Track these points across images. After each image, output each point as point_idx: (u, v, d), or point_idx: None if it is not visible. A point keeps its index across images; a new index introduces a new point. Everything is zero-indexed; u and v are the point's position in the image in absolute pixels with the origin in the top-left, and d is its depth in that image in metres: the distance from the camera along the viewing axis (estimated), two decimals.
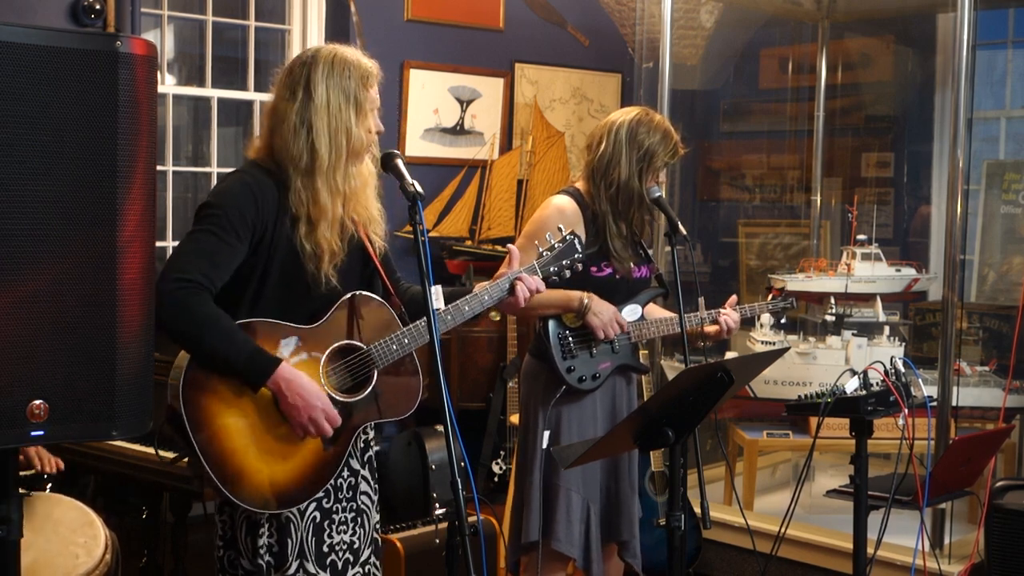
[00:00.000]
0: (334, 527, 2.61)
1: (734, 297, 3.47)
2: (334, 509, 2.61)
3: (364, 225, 2.64)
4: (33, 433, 1.75)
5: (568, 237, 2.73)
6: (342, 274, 2.55)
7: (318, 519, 2.58)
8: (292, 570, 2.53)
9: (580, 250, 2.72)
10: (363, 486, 2.69)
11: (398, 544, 3.72)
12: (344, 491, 2.64)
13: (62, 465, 3.08)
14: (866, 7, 6.09)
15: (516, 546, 3.34)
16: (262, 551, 2.52)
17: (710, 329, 3.36)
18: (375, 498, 2.74)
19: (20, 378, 1.73)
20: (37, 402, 1.74)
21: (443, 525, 3.86)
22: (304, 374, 2.45)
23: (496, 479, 5.20)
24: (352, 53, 2.56)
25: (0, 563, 1.86)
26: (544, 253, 2.71)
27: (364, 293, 2.60)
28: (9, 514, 1.85)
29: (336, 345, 2.54)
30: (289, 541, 2.53)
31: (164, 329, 2.35)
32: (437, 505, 4.26)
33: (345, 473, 2.64)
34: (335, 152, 2.48)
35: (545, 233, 3.17)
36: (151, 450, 3.57)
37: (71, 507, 3.08)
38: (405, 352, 2.57)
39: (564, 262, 2.71)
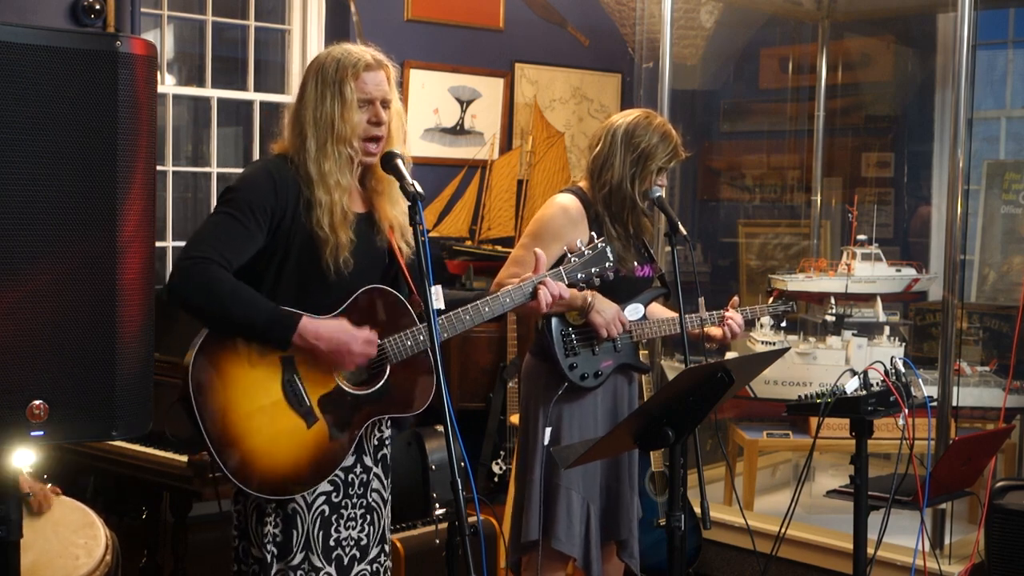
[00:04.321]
0: (342, 522, 2.62)
1: (736, 298, 3.46)
2: (343, 504, 2.62)
3: (392, 227, 2.67)
4: (33, 433, 1.75)
5: (599, 244, 2.72)
6: (359, 268, 2.57)
7: (326, 513, 2.59)
8: (296, 561, 2.54)
9: (611, 259, 2.71)
10: (375, 483, 2.70)
11: (398, 544, 3.72)
12: (356, 487, 2.65)
13: (59, 490, 3.08)
14: (866, 7, 6.09)
15: (517, 545, 3.34)
16: (266, 540, 2.54)
17: (714, 332, 3.35)
18: (387, 497, 2.74)
19: (20, 378, 1.73)
20: (37, 402, 1.74)
21: (443, 525, 3.85)
22: (324, 319, 2.48)
23: (496, 479, 5.20)
24: (345, 48, 2.59)
25: (0, 563, 1.86)
26: (572, 259, 2.70)
27: (382, 287, 2.61)
28: (9, 514, 1.85)
29: None
30: (295, 532, 2.54)
31: (184, 305, 2.40)
32: (437, 505, 4.26)
33: (358, 469, 2.65)
34: (320, 141, 2.53)
35: (550, 232, 3.18)
36: (151, 450, 3.57)
37: (71, 508, 3.08)
38: (419, 349, 2.58)
39: (593, 269, 2.70)
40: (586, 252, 2.71)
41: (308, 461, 2.50)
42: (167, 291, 2.41)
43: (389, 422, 2.72)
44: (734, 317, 3.34)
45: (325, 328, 2.46)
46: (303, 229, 2.52)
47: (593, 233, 2.78)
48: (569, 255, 2.70)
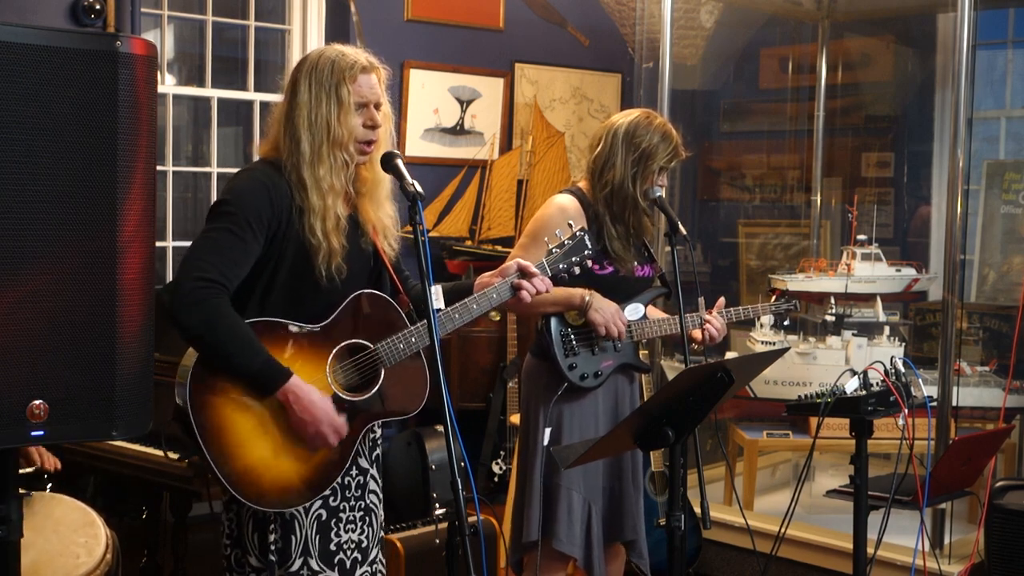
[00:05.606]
0: (341, 526, 2.61)
1: (722, 300, 3.44)
2: (341, 507, 2.61)
3: (376, 228, 2.65)
4: (33, 433, 1.75)
5: (578, 234, 2.72)
6: (351, 273, 2.56)
7: (324, 517, 2.58)
8: (296, 567, 2.53)
9: (589, 247, 2.72)
10: (371, 485, 2.69)
11: (398, 544, 3.72)
12: (352, 490, 2.64)
13: (59, 465, 3.08)
14: (866, 7, 6.09)
15: (517, 545, 3.34)
16: (268, 547, 2.53)
17: (695, 334, 3.34)
18: (382, 496, 2.74)
19: (20, 378, 1.73)
20: (37, 402, 1.74)
21: (443, 525, 3.86)
22: (313, 388, 2.45)
23: (496, 479, 5.20)
24: (338, 49, 2.56)
25: (0, 563, 1.86)
26: (554, 250, 2.70)
27: (372, 292, 2.60)
28: (9, 514, 1.85)
29: (343, 344, 2.54)
30: (293, 538, 2.53)
31: (182, 331, 2.38)
32: (437, 505, 4.26)
33: (354, 472, 2.64)
34: (315, 146, 2.50)
35: (548, 232, 3.18)
36: (151, 450, 3.57)
37: (72, 507, 3.08)
38: (412, 351, 2.57)
39: (574, 259, 2.70)
40: (566, 242, 2.71)
41: (310, 471, 2.49)
42: (169, 310, 2.37)
43: (382, 422, 2.71)
44: (712, 322, 3.32)
45: (307, 395, 2.43)
46: (296, 237, 2.49)
47: (571, 222, 2.78)
48: (550, 247, 2.71)
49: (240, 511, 2.58)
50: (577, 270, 2.72)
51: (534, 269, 2.64)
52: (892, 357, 3.19)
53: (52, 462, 3.06)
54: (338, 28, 5.25)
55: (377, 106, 2.57)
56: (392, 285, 2.68)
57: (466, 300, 2.61)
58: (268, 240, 2.48)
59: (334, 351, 2.53)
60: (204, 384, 2.41)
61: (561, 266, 2.69)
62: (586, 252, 2.71)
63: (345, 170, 2.55)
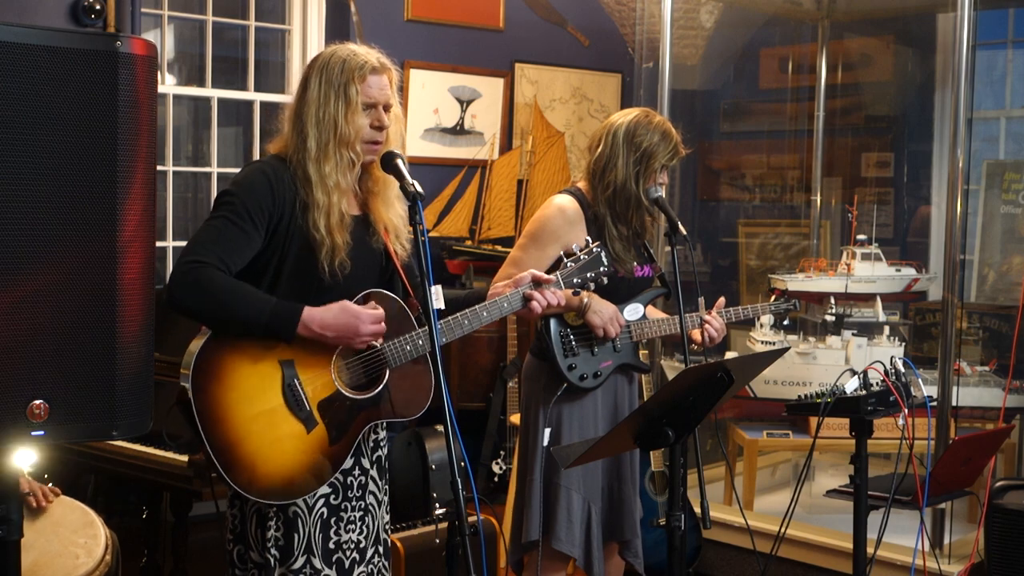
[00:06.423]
0: (342, 525, 2.61)
1: (722, 299, 3.44)
2: (343, 507, 2.61)
3: (387, 228, 2.66)
4: (33, 433, 1.75)
5: (595, 249, 2.73)
6: (356, 271, 2.56)
7: (325, 515, 2.58)
8: (298, 564, 2.53)
9: (605, 263, 2.72)
10: (371, 486, 2.69)
11: (398, 544, 3.72)
12: (354, 490, 2.64)
13: (59, 492, 3.07)
14: (866, 7, 6.10)
15: (517, 545, 3.35)
16: (269, 544, 2.53)
17: (694, 335, 3.34)
18: (382, 499, 2.73)
19: (20, 378, 1.73)
20: (37, 402, 1.74)
21: (443, 525, 3.86)
22: (328, 308, 2.45)
23: (496, 479, 5.20)
24: (351, 49, 2.58)
25: (0, 563, 1.86)
26: (568, 264, 2.70)
27: (381, 291, 2.60)
28: (9, 514, 1.85)
29: None
30: (296, 536, 2.54)
31: (183, 309, 2.39)
32: (437, 505, 4.26)
33: (356, 471, 2.64)
34: (321, 143, 2.51)
35: (547, 233, 3.19)
36: (151, 449, 3.57)
37: (71, 507, 3.08)
38: (419, 353, 2.57)
39: (589, 274, 2.71)
40: (582, 257, 2.71)
41: (308, 466, 2.49)
42: (167, 298, 2.39)
43: (385, 424, 2.71)
44: (712, 322, 3.32)
45: (331, 316, 2.44)
46: (300, 232, 2.50)
47: (588, 238, 2.79)
48: (565, 259, 2.72)
49: (243, 506, 2.59)
50: (592, 285, 2.72)
51: (547, 277, 2.65)
52: (892, 357, 3.19)
53: (46, 497, 3.02)
54: (338, 28, 5.26)
55: (386, 107, 2.57)
56: (403, 287, 2.69)
57: (476, 307, 2.62)
58: (270, 232, 2.49)
59: (339, 347, 2.54)
60: (207, 374, 2.41)
61: (575, 280, 2.70)
62: (602, 268, 2.72)
63: (351, 169, 2.56)
